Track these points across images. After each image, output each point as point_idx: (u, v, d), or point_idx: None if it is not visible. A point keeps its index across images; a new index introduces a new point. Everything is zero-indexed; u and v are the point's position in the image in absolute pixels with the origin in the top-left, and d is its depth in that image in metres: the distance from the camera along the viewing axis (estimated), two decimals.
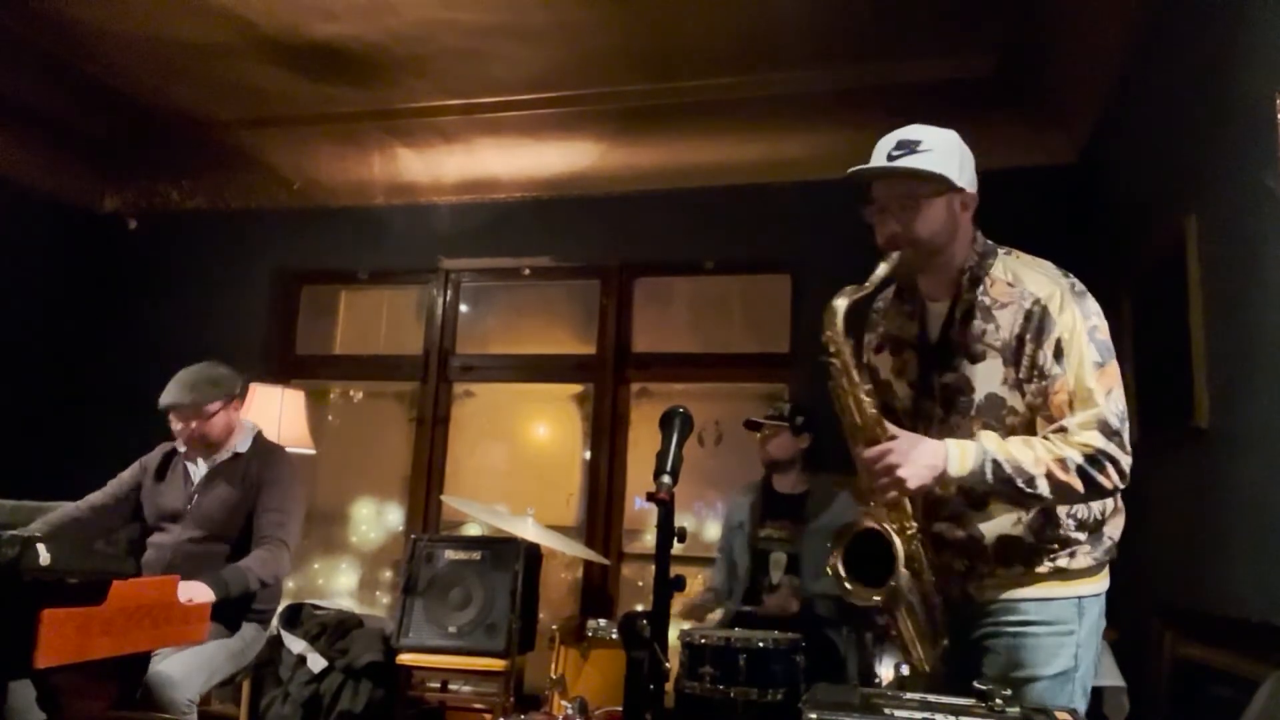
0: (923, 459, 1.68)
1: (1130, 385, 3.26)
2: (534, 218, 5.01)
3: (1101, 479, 1.67)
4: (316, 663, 3.77)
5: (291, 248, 5.34)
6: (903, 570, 1.73)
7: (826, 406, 2.04)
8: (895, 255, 1.79)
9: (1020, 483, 1.66)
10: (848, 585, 1.79)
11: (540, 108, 4.23)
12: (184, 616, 2.36)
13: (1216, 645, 2.43)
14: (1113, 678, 3.03)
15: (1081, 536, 1.80)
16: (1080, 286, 1.79)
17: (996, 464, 1.66)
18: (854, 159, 1.91)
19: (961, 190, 1.82)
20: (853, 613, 3.16)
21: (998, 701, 1.49)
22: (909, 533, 1.78)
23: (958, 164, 1.82)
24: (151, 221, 5.51)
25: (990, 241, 1.89)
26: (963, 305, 1.82)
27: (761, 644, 2.56)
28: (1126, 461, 1.69)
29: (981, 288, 1.81)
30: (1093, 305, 1.78)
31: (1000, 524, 1.78)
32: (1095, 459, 1.66)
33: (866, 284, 1.79)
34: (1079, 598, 1.80)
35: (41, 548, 1.81)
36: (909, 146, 1.81)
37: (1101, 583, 1.85)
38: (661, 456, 1.80)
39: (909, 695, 1.60)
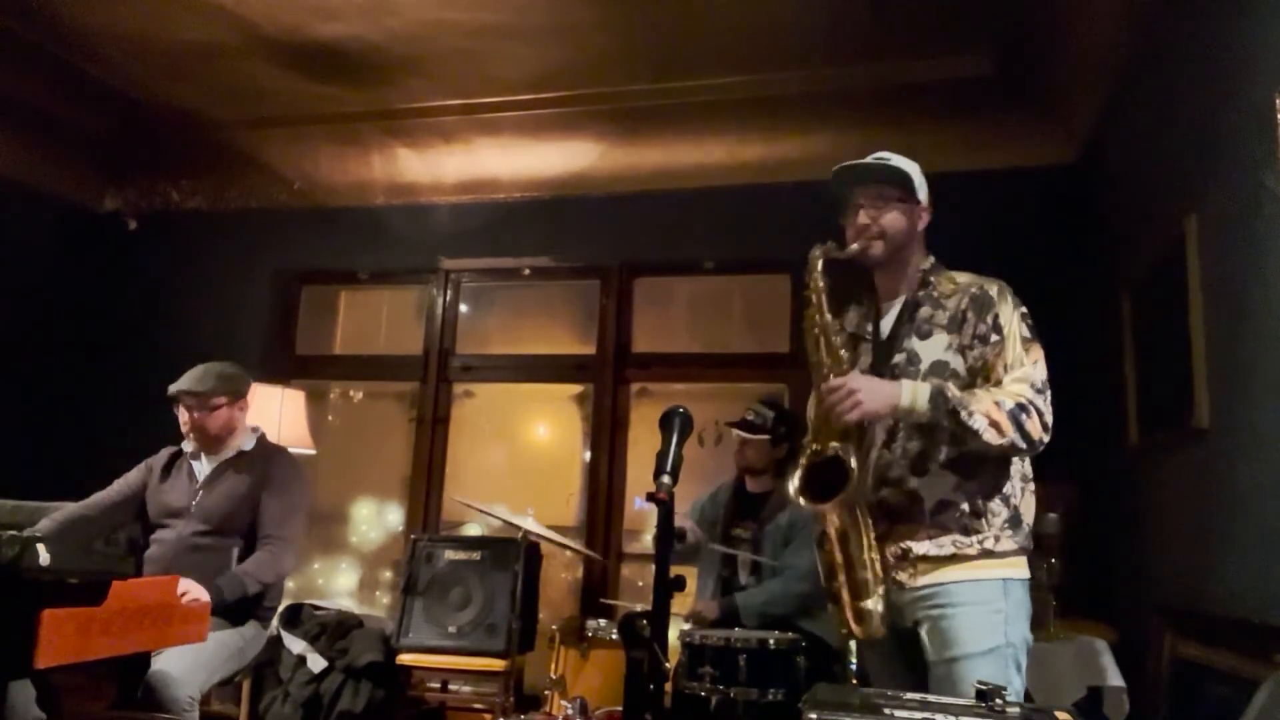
0: (880, 388, 1.95)
1: (1130, 385, 3.28)
2: (534, 218, 5.01)
3: (1029, 424, 1.91)
4: (316, 663, 3.76)
5: (291, 248, 5.34)
6: (854, 484, 1.91)
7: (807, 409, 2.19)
8: (863, 242, 2.11)
9: (963, 414, 1.90)
10: (801, 500, 1.97)
11: (540, 108, 4.23)
12: (184, 616, 2.36)
13: (1216, 645, 2.43)
14: (1113, 678, 3.03)
15: (1004, 513, 1.99)
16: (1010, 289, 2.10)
17: (944, 396, 1.91)
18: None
19: (920, 203, 2.15)
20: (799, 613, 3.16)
21: (998, 701, 1.49)
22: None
23: (918, 182, 2.16)
24: (151, 221, 5.50)
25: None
26: (914, 298, 2.13)
27: (761, 644, 2.56)
28: (1049, 417, 1.95)
29: (931, 285, 2.13)
30: (1020, 302, 2.07)
31: (939, 488, 1.99)
32: (1024, 406, 1.92)
33: (842, 251, 2.11)
34: (1004, 579, 1.98)
35: (41, 548, 1.81)
36: (883, 159, 2.18)
37: (1023, 570, 2.02)
38: (661, 456, 1.81)
39: (909, 695, 1.60)
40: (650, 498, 1.75)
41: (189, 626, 2.37)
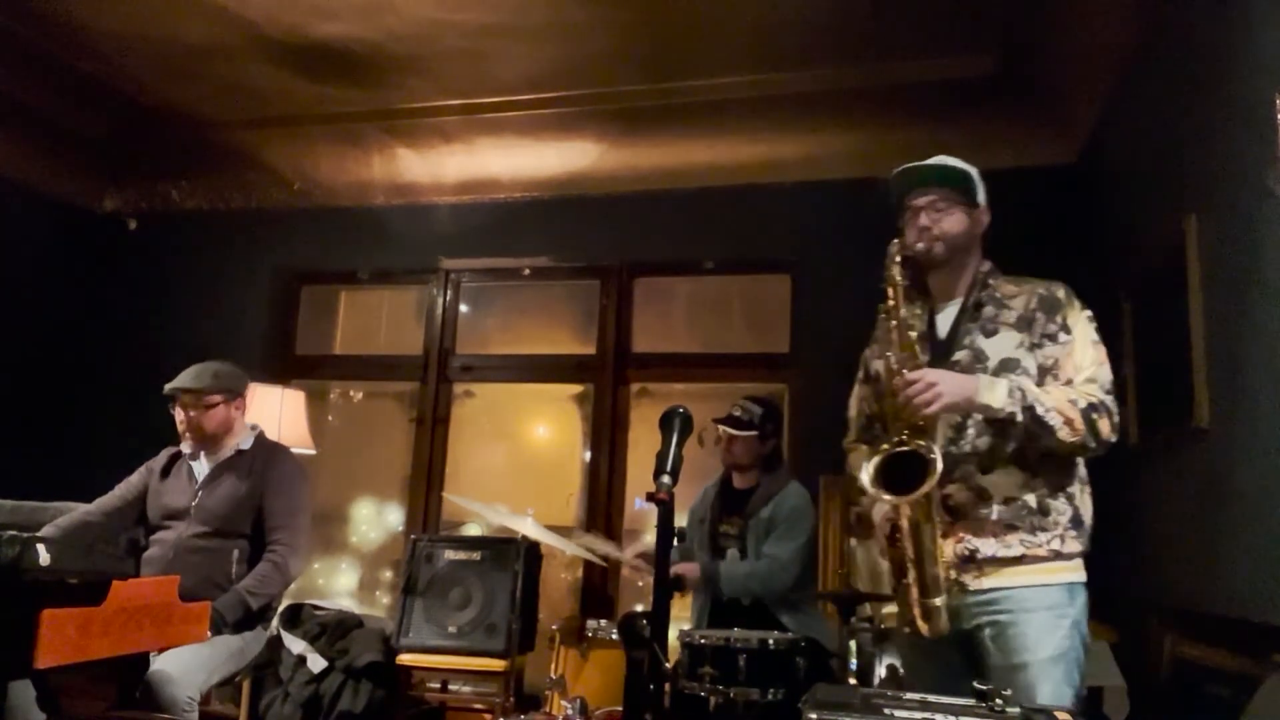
0: (958, 381, 1.95)
1: (1130, 385, 3.28)
2: (534, 218, 5.01)
3: (1100, 423, 1.95)
4: (316, 663, 3.76)
5: (291, 248, 5.34)
6: (935, 477, 1.87)
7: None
8: (926, 243, 2.10)
9: (1039, 410, 1.91)
10: (884, 494, 1.93)
11: (540, 108, 4.23)
12: (184, 616, 2.35)
13: (1216, 645, 2.43)
14: (1113, 678, 3.03)
15: (1068, 511, 2.00)
16: (1075, 292, 2.12)
17: (1021, 392, 1.92)
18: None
19: (979, 207, 2.17)
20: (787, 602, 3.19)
21: (998, 701, 1.49)
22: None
23: (977, 185, 2.18)
24: (151, 221, 5.50)
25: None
26: (975, 298, 2.13)
27: (761, 644, 2.56)
28: (1117, 418, 1.99)
29: (991, 286, 2.14)
30: (1086, 305, 2.10)
31: (1007, 485, 1.99)
32: (1096, 406, 1.95)
33: (909, 250, 2.09)
34: (1069, 584, 1.99)
35: (41, 548, 1.81)
36: (943, 162, 2.18)
37: (1083, 573, 2.03)
38: (661, 456, 1.81)
39: (909, 695, 1.60)
40: (650, 498, 1.76)
41: (189, 626, 2.36)
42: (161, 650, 2.62)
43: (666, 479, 1.77)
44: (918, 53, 3.68)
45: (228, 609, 2.79)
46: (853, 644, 3.22)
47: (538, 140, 4.53)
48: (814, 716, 1.47)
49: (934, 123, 4.06)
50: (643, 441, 4.74)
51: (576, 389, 4.98)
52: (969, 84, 3.76)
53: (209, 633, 2.61)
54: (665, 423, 1.87)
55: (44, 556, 1.81)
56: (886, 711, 1.48)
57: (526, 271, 5.09)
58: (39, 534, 2.78)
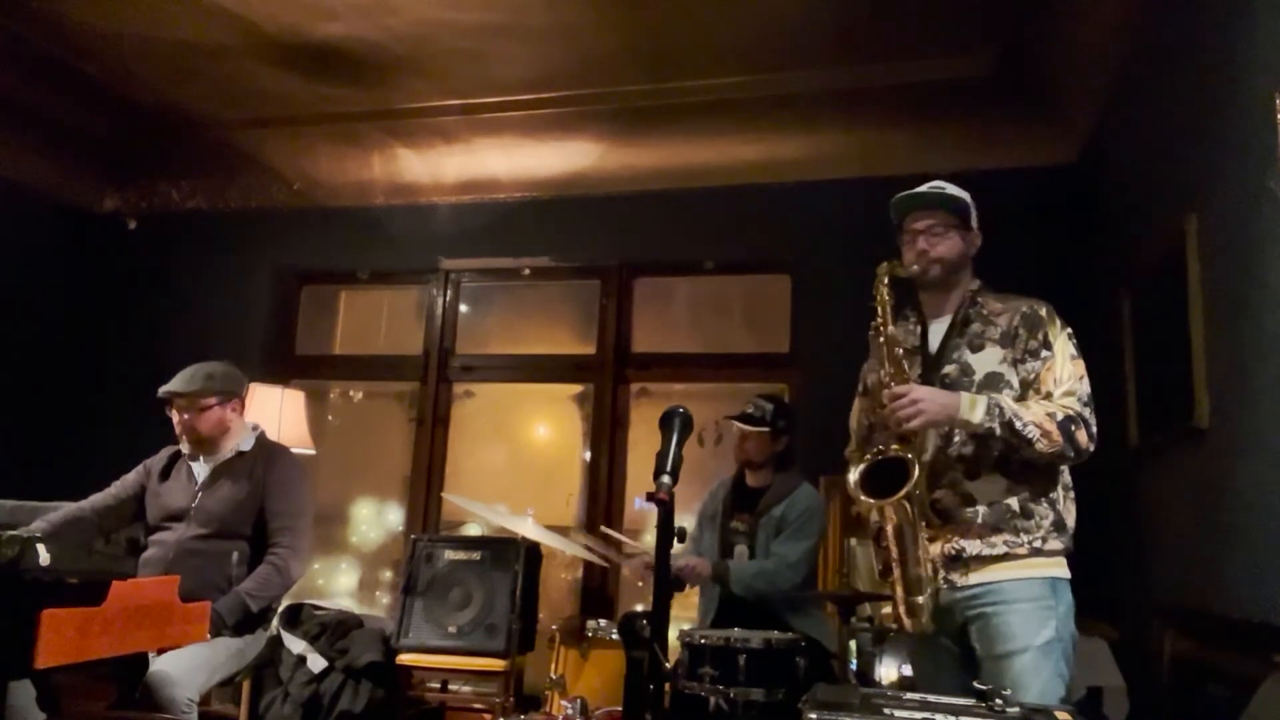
0: (940, 397, 2.08)
1: (1130, 385, 3.28)
2: (534, 218, 5.01)
3: (1077, 435, 2.06)
4: (316, 663, 3.76)
5: (291, 248, 5.34)
6: (916, 482, 2.01)
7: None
8: (923, 264, 2.24)
9: (1018, 425, 2.03)
10: (861, 495, 2.09)
11: (540, 108, 4.23)
12: (184, 616, 2.35)
13: (1216, 645, 2.43)
14: (1113, 678, 3.03)
15: (1051, 516, 2.11)
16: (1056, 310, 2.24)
17: (1000, 409, 2.04)
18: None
19: (972, 230, 2.31)
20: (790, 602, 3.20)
21: (998, 701, 1.49)
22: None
23: (972, 210, 2.30)
24: (151, 221, 5.50)
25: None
26: (964, 315, 2.26)
27: (761, 644, 2.57)
28: (1094, 429, 2.10)
29: (980, 304, 2.27)
30: (1066, 323, 2.21)
31: (991, 491, 2.11)
32: (1073, 419, 2.06)
33: (904, 270, 2.24)
34: (1053, 578, 2.10)
35: (41, 548, 1.81)
36: (940, 188, 2.30)
37: (1066, 570, 2.15)
38: (661, 457, 1.81)
39: (909, 695, 1.60)
40: (650, 498, 1.76)
41: (189, 627, 2.36)
42: (161, 651, 2.62)
43: (666, 479, 1.77)
44: (918, 53, 3.68)
45: (228, 611, 2.78)
46: (853, 644, 3.22)
47: (538, 140, 4.53)
48: (814, 716, 1.47)
49: (934, 123, 4.07)
50: (643, 441, 4.74)
51: (576, 389, 4.98)
52: (969, 84, 3.76)
53: (209, 634, 2.61)
54: (665, 423, 1.87)
55: (44, 556, 1.81)
56: (886, 711, 1.49)
57: (526, 271, 5.08)
58: (29, 530, 2.78)
